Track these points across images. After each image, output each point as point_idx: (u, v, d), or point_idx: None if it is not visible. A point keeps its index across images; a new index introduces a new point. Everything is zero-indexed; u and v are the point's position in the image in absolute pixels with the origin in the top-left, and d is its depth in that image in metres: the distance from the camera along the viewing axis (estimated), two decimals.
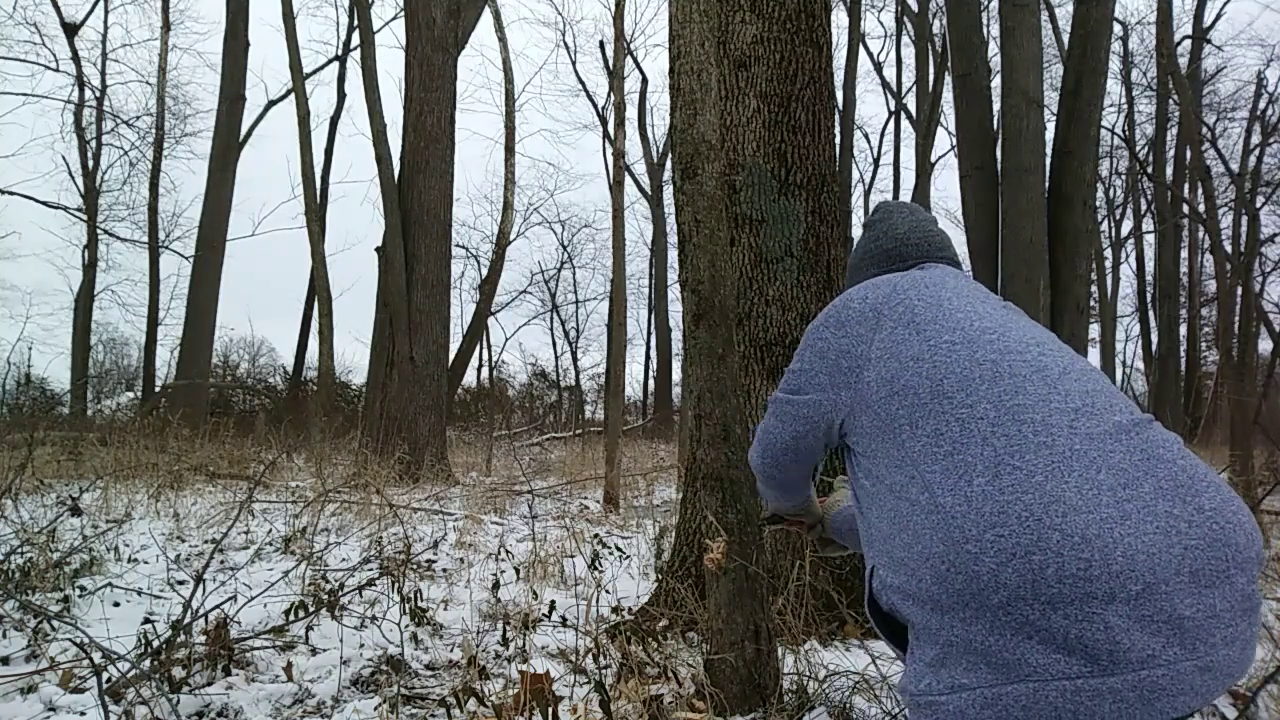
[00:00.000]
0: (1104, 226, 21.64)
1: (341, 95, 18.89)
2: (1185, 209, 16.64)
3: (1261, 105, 19.21)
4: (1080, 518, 0.93)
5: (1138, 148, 18.82)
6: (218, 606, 3.01)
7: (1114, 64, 17.54)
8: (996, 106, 6.84)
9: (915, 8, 17.70)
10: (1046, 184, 6.30)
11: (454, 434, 13.09)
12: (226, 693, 2.44)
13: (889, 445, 1.14)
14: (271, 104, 18.18)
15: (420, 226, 9.43)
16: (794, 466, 1.46)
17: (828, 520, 1.70)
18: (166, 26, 16.53)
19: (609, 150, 20.80)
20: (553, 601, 3.42)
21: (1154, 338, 19.55)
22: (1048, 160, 6.36)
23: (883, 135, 26.18)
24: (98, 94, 17.68)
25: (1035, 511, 0.94)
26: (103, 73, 17.79)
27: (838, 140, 4.22)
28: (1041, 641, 0.91)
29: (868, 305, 1.29)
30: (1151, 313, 20.34)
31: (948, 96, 15.07)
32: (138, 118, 17.53)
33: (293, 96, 10.68)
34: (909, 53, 20.32)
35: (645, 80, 23.66)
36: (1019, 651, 0.91)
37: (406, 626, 3.12)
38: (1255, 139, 19.31)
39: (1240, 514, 0.99)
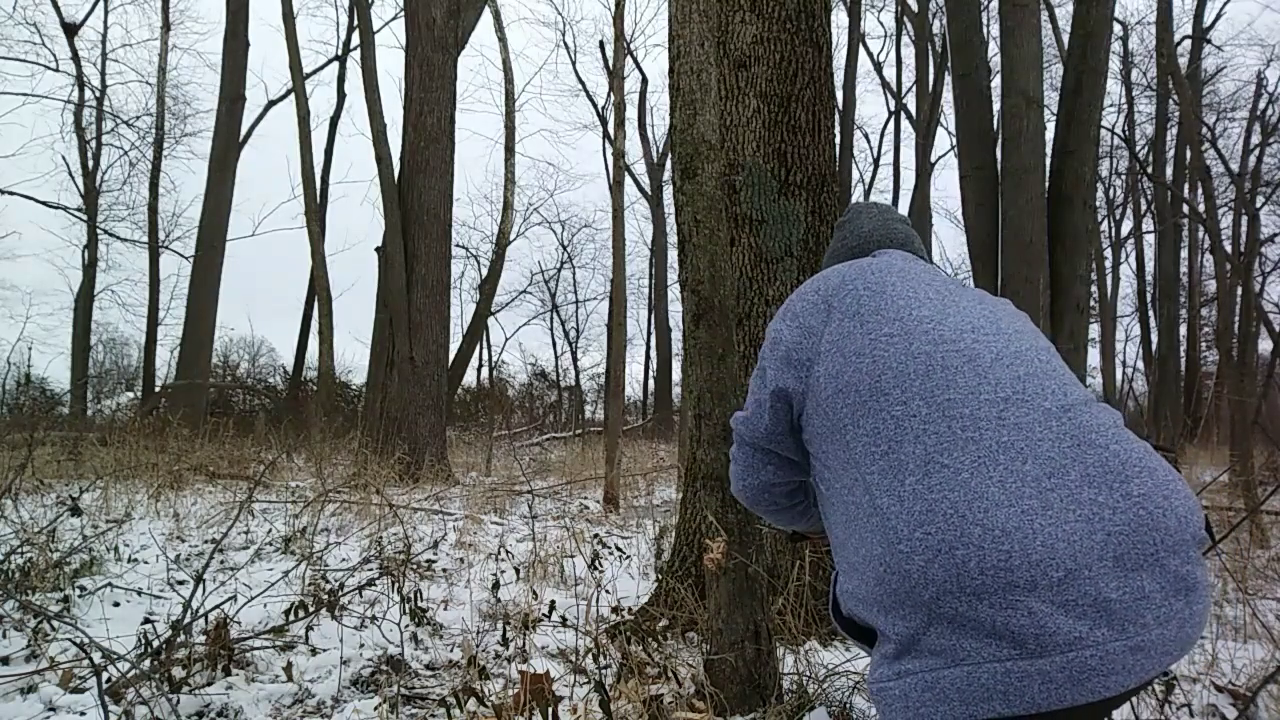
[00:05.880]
0: (1104, 226, 21.63)
1: (341, 95, 18.88)
2: (1185, 209, 16.63)
3: (1261, 105, 19.26)
4: (1001, 512, 0.97)
5: (1138, 148, 18.82)
6: (218, 606, 3.01)
7: (1114, 64, 17.56)
8: (996, 106, 6.83)
9: (915, 8, 17.69)
10: (1046, 184, 6.29)
11: (454, 434, 13.07)
12: (226, 693, 2.44)
13: (837, 447, 1.16)
14: (271, 104, 18.19)
15: (420, 226, 9.43)
16: (779, 482, 1.39)
17: None
18: (166, 26, 16.53)
19: (609, 150, 20.79)
20: (553, 601, 3.42)
21: (1154, 338, 19.55)
22: (1048, 160, 6.35)
23: (883, 135, 26.20)
24: (98, 94, 17.68)
25: (959, 508, 0.98)
26: (103, 73, 17.79)
27: (838, 140, 4.22)
28: (972, 630, 0.95)
29: (820, 297, 1.30)
30: (1151, 313, 20.34)
31: (948, 96, 15.08)
32: (138, 118, 17.52)
33: (293, 96, 10.69)
34: (909, 53, 20.33)
35: (645, 80, 23.67)
36: (952, 639, 0.96)
37: (406, 626, 3.12)
38: (1255, 139, 19.36)
39: (1173, 498, 1.01)
